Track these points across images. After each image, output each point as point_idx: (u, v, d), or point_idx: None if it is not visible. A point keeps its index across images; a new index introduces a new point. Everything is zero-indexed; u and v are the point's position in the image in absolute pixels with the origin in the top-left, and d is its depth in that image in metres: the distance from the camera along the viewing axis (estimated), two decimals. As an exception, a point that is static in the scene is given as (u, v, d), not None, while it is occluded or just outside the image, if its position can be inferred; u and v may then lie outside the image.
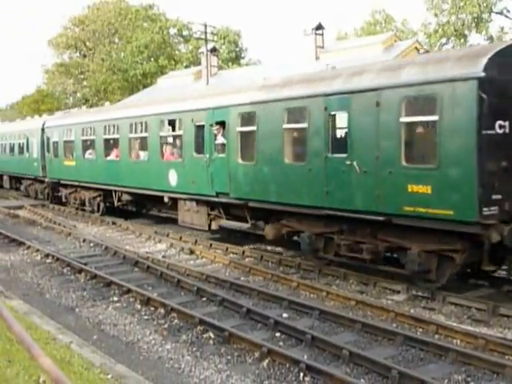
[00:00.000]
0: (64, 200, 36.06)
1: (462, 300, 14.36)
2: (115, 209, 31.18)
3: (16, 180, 46.89)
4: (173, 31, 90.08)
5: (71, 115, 38.29)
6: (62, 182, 35.16)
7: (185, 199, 23.36)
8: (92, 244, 23.57)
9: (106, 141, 29.74)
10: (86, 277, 18.06)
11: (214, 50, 61.99)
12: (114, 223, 29.33)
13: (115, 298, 15.81)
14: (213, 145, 21.06)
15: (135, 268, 19.34)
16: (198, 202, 22.60)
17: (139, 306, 15.01)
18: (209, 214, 22.45)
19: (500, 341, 11.46)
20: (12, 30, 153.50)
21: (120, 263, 20.21)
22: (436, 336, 12.23)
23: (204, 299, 15.47)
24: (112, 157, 29.14)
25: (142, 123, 25.98)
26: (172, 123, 24.58)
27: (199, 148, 21.85)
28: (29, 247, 22.81)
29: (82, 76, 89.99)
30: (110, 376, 9.58)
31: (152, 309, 14.71)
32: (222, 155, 20.67)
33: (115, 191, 29.68)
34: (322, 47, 50.68)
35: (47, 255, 21.10)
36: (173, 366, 11.14)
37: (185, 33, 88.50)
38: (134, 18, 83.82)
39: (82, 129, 31.84)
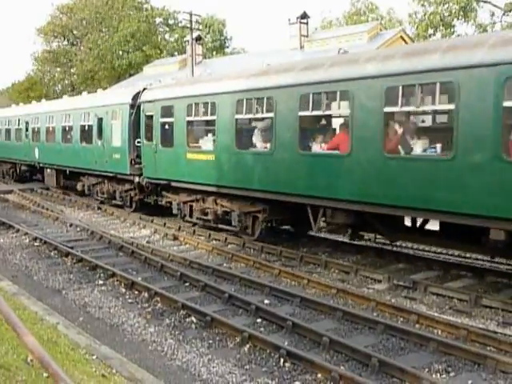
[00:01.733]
0: (186, 215, 23.74)
1: (444, 290, 14.45)
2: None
3: (67, 176, 35.70)
4: (159, 20, 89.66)
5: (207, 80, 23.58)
6: (175, 184, 23.54)
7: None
8: (78, 228, 23.76)
9: (312, 120, 18.48)
10: (73, 260, 18.28)
11: (199, 39, 61.85)
12: (99, 208, 29.50)
13: (100, 282, 16.00)
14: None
15: (120, 252, 19.54)
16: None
17: (124, 290, 15.20)
18: None
19: (482, 332, 11.52)
20: (1, 15, 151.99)
21: (105, 248, 20.42)
22: (417, 326, 12.28)
23: (187, 284, 15.65)
24: (317, 148, 17.59)
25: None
26: None
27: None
28: (17, 231, 23.09)
29: (70, 64, 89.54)
30: (94, 357, 9.79)
31: (136, 293, 14.91)
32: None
33: (318, 207, 17.39)
34: (307, 36, 50.72)
35: (35, 238, 21.35)
36: (156, 348, 11.33)
37: (170, 21, 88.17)
38: (120, 6, 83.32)
39: (244, 100, 19.38)
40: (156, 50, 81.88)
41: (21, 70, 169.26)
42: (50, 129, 36.80)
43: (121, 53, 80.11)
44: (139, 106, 25.84)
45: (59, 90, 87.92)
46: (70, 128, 33.49)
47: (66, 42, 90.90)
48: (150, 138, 24.81)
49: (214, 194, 21.56)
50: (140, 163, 25.93)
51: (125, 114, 27.14)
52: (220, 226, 21.86)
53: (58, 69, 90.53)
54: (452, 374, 10.00)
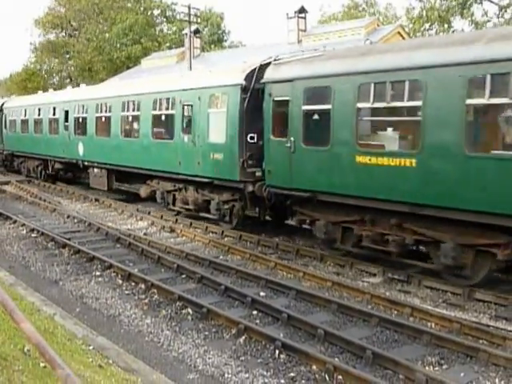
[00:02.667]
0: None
1: (438, 284, 14.56)
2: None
3: (121, 178, 29.76)
4: (156, 12, 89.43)
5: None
6: (325, 197, 16.99)
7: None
8: (76, 220, 23.81)
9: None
10: (70, 251, 18.35)
11: (197, 32, 61.71)
12: (97, 200, 29.52)
13: (97, 273, 16.10)
14: None
15: (117, 244, 19.63)
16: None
17: (121, 281, 15.30)
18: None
19: (475, 325, 11.65)
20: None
21: (102, 239, 20.49)
22: (411, 319, 12.41)
23: (183, 276, 15.74)
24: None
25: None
26: None
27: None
28: (15, 222, 23.14)
29: (68, 55, 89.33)
30: (91, 347, 9.90)
31: (133, 284, 15.01)
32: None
33: None
34: (305, 30, 50.73)
35: (32, 230, 21.43)
36: (152, 339, 11.44)
37: (168, 14, 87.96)
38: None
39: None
40: (154, 43, 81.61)
41: (19, 62, 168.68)
42: (103, 119, 29.14)
43: (119, 45, 79.86)
44: (258, 89, 19.31)
45: (57, 82, 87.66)
46: (135, 118, 26.43)
47: (63, 34, 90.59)
48: (281, 133, 18.04)
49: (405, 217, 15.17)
50: (254, 166, 19.81)
51: (232, 99, 20.12)
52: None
53: (56, 60, 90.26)
54: (445, 367, 10.12)
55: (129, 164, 26.49)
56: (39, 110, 37.09)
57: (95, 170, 30.27)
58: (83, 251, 17.96)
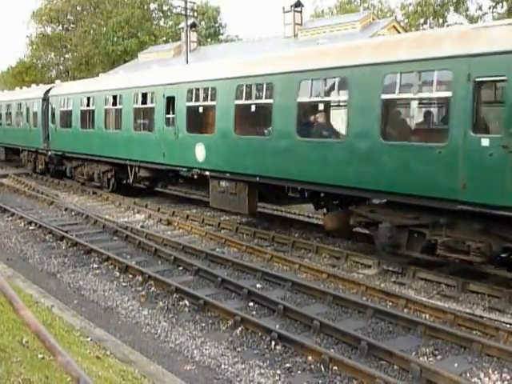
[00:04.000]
0: None
1: (432, 276, 14.63)
2: None
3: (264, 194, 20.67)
4: (153, 6, 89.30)
5: None
6: None
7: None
8: (73, 213, 23.92)
9: None
10: (68, 244, 18.43)
11: (193, 26, 61.73)
12: (94, 193, 29.58)
13: (95, 265, 16.19)
14: None
15: (114, 237, 19.70)
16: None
17: (118, 274, 15.38)
18: None
19: (468, 316, 11.73)
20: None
21: (100, 232, 20.57)
22: (405, 310, 12.49)
23: (180, 268, 15.82)
24: None
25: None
26: None
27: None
28: (13, 214, 23.21)
29: (65, 49, 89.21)
30: (89, 339, 9.97)
31: (130, 276, 15.09)
32: None
33: None
34: (301, 24, 50.77)
35: (30, 222, 21.48)
36: (149, 331, 11.51)
37: (165, 8, 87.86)
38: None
39: None
40: (150, 37, 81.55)
41: (17, 55, 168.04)
42: (254, 109, 19.06)
43: (115, 39, 79.76)
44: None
45: (54, 76, 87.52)
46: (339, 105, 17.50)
47: (60, 28, 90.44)
48: None
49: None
50: None
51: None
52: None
53: (53, 53, 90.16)
54: (439, 357, 10.20)
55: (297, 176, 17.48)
56: (116, 97, 27.51)
57: (224, 182, 20.71)
58: (81, 244, 18.03)
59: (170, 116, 23.11)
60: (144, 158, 25.07)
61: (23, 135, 39.09)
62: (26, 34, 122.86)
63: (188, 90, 21.94)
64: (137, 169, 26.42)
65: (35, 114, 37.00)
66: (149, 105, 24.83)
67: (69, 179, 34.04)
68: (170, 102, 23.10)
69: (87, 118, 29.91)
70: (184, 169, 22.54)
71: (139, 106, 25.63)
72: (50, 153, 34.79)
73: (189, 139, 21.91)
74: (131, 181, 27.43)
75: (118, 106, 27.13)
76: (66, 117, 32.39)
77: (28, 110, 38.44)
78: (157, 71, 30.33)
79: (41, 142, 35.62)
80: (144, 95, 25.18)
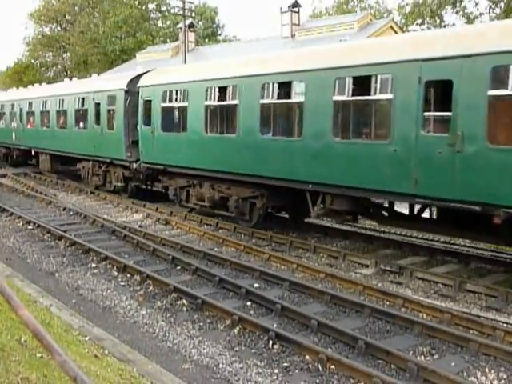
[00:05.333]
0: None
1: (429, 275, 14.71)
2: None
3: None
4: (151, 6, 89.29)
5: None
6: None
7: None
8: (72, 212, 23.93)
9: None
10: (66, 243, 18.44)
11: (191, 26, 61.83)
12: (92, 192, 29.57)
13: (93, 265, 16.20)
14: None
15: (113, 236, 19.73)
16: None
17: (116, 273, 15.41)
18: None
19: (465, 315, 11.79)
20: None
21: (98, 231, 20.60)
22: (402, 309, 12.54)
23: (178, 268, 15.85)
24: None
25: None
26: None
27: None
28: (11, 214, 23.23)
29: (63, 49, 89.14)
30: (87, 338, 9.99)
31: (128, 276, 15.11)
32: None
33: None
34: (298, 25, 50.85)
35: (29, 222, 21.50)
36: (147, 330, 11.53)
37: (163, 8, 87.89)
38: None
39: None
40: (148, 37, 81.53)
41: (15, 56, 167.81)
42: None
43: (113, 38, 79.72)
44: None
45: (52, 75, 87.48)
46: None
47: (58, 28, 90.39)
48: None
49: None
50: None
51: None
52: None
53: (51, 54, 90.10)
54: (436, 357, 10.23)
55: None
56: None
57: None
58: (79, 243, 18.04)
59: None
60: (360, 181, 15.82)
61: (87, 140, 29.85)
62: (25, 35, 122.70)
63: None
64: (326, 197, 17.42)
65: (111, 111, 28.06)
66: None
67: (67, 179, 34.04)
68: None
69: (220, 117, 21.28)
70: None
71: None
72: (135, 165, 25.83)
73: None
74: (314, 215, 18.39)
75: (293, 100, 18.20)
76: (174, 116, 23.77)
77: (98, 106, 29.06)
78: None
79: (121, 150, 26.65)
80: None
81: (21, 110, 40.22)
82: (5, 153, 44.68)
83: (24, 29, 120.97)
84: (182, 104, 22.72)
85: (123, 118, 26.60)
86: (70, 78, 48.00)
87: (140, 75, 26.40)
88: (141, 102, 24.97)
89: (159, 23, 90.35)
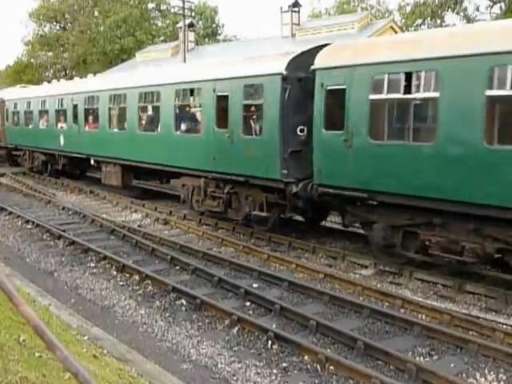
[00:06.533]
0: None
1: (429, 276, 14.66)
2: None
3: None
4: (151, 6, 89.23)
5: None
6: None
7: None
8: (71, 212, 23.86)
9: None
10: (65, 243, 18.42)
11: (191, 26, 61.73)
12: (91, 192, 29.53)
13: (92, 264, 16.18)
14: None
15: (111, 236, 19.69)
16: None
17: (115, 273, 15.40)
18: None
19: (465, 317, 11.78)
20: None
21: (97, 231, 20.56)
22: (402, 310, 12.52)
23: (177, 268, 15.83)
24: None
25: None
26: None
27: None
28: (10, 213, 23.19)
29: (62, 48, 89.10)
30: (86, 338, 9.99)
31: (127, 275, 15.10)
32: None
33: None
34: (298, 24, 50.83)
35: (28, 221, 21.48)
36: (146, 330, 11.54)
37: (163, 7, 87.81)
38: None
39: None
40: (148, 36, 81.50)
41: (14, 55, 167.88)
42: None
43: (113, 38, 79.68)
44: None
45: (51, 75, 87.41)
46: None
47: (58, 27, 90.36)
48: None
49: None
50: None
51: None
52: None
53: (50, 53, 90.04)
54: (435, 358, 10.24)
55: None
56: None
57: None
58: (78, 243, 18.02)
59: None
60: None
61: (199, 149, 20.80)
62: (24, 34, 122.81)
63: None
64: None
65: (252, 108, 19.28)
66: None
67: (62, 176, 33.90)
68: None
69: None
70: None
71: None
72: (295, 188, 17.36)
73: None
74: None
75: None
76: (397, 115, 15.31)
77: (224, 100, 19.50)
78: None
79: (274, 165, 17.73)
80: None
81: (75, 106, 30.58)
82: (45, 160, 35.64)
83: (24, 27, 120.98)
84: (424, 95, 13.98)
85: (278, 119, 17.47)
86: (70, 79, 46.75)
87: (309, 51, 17.75)
88: (321, 93, 16.12)
89: (159, 23, 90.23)
